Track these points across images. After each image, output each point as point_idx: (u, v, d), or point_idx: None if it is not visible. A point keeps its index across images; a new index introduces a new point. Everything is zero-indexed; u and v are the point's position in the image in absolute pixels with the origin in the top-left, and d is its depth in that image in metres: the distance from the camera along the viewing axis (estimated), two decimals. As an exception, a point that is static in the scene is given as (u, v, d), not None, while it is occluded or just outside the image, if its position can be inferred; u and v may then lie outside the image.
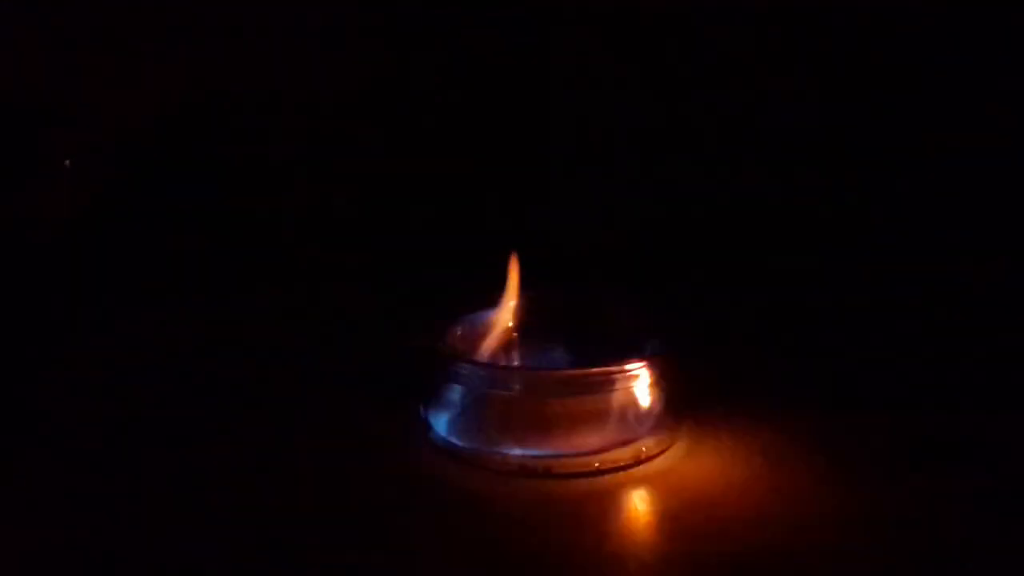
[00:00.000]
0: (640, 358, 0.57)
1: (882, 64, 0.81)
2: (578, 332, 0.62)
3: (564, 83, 0.85)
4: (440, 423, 0.57)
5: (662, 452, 0.56)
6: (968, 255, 0.77)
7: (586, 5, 0.84)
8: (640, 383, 0.56)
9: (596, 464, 0.55)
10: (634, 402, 0.56)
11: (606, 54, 0.84)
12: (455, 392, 0.57)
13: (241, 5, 0.83)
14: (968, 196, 0.80)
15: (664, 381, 0.57)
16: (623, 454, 0.55)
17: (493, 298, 0.61)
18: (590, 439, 0.55)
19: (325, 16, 0.84)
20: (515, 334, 0.61)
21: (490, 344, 0.60)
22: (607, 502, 0.53)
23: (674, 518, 0.52)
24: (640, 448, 0.56)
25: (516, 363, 0.61)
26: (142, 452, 0.57)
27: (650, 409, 0.56)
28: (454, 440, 0.56)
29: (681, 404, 0.58)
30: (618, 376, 0.56)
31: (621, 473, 0.55)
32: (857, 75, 0.82)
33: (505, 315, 0.61)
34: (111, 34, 0.82)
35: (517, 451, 0.55)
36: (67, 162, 0.82)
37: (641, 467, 0.55)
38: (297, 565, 0.48)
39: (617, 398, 0.56)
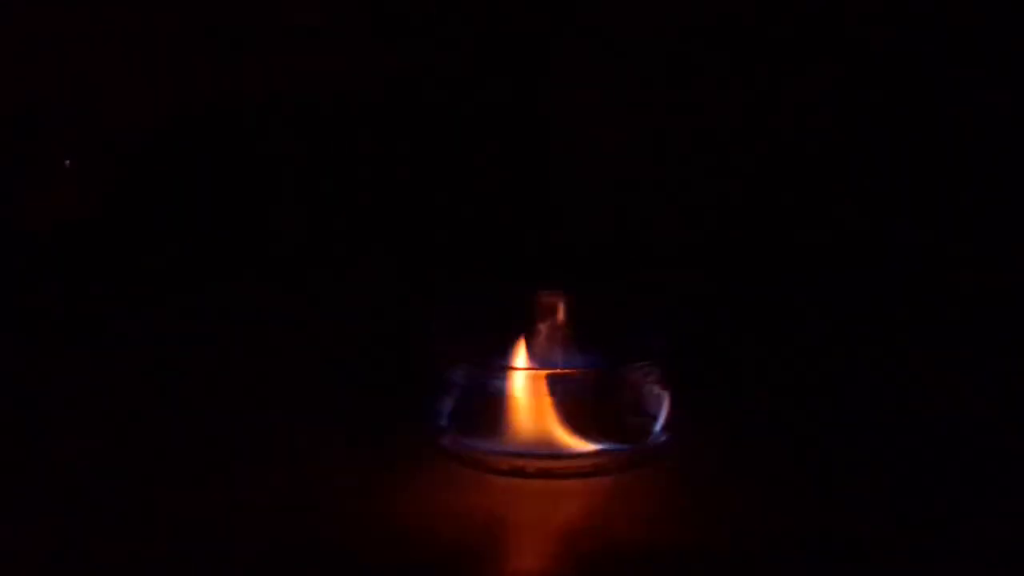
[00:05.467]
0: (641, 359, 0.57)
1: (882, 68, 0.81)
2: (580, 333, 0.62)
3: (564, 83, 0.85)
4: (441, 423, 0.57)
5: (662, 453, 0.56)
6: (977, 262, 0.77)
7: (587, 7, 0.84)
8: (641, 384, 0.56)
9: (596, 465, 0.54)
10: (635, 403, 0.56)
11: (607, 54, 0.84)
12: (456, 392, 0.57)
13: (241, 5, 0.83)
14: (975, 203, 0.80)
15: (665, 382, 0.57)
16: (623, 455, 0.55)
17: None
18: (590, 440, 0.55)
19: (325, 17, 0.84)
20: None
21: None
22: (607, 503, 0.53)
23: (674, 519, 0.52)
24: (640, 449, 0.56)
25: (518, 363, 0.61)
26: (140, 452, 0.57)
27: (651, 410, 0.56)
28: (454, 440, 0.56)
29: (682, 405, 0.58)
30: (619, 376, 0.56)
31: (621, 473, 0.54)
32: (855, 80, 0.82)
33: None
34: (111, 34, 0.82)
35: (517, 451, 0.55)
36: (67, 162, 0.82)
37: (641, 468, 0.55)
38: (296, 565, 0.48)
39: (618, 399, 0.56)
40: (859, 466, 0.55)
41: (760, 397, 0.63)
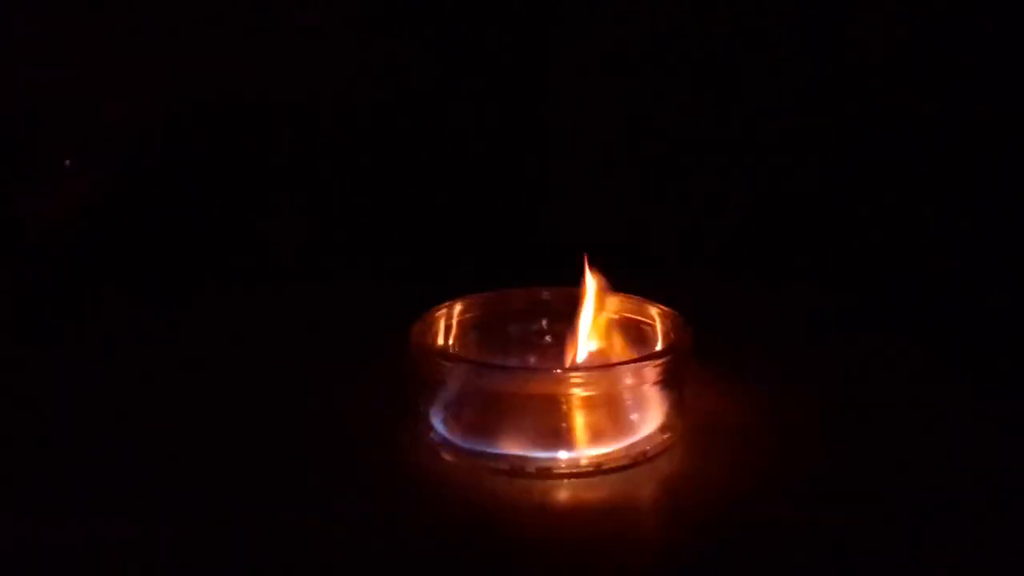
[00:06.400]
0: (642, 357, 0.57)
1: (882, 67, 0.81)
2: (579, 332, 0.62)
3: (564, 82, 0.85)
4: (440, 423, 0.57)
5: (662, 452, 0.56)
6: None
7: (587, 7, 0.84)
8: (641, 382, 0.56)
9: (596, 464, 0.54)
10: (635, 401, 0.56)
11: (606, 54, 0.84)
12: (455, 392, 0.57)
13: (241, 5, 0.83)
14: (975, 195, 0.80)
15: (665, 380, 0.57)
16: (623, 454, 0.55)
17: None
18: (591, 439, 0.55)
19: (324, 16, 0.84)
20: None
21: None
22: (607, 502, 0.53)
23: (674, 518, 0.52)
24: (640, 448, 0.56)
25: (517, 363, 0.62)
26: (139, 452, 0.57)
27: (651, 408, 0.56)
28: (454, 440, 0.56)
29: (682, 403, 0.58)
30: (619, 375, 0.56)
31: (621, 473, 0.54)
32: (851, 77, 0.82)
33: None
34: (111, 34, 0.82)
35: (517, 451, 0.54)
36: (67, 162, 0.82)
37: (641, 467, 0.55)
38: (296, 565, 0.48)
39: (618, 397, 0.56)
40: (859, 464, 0.55)
41: (760, 395, 0.63)
